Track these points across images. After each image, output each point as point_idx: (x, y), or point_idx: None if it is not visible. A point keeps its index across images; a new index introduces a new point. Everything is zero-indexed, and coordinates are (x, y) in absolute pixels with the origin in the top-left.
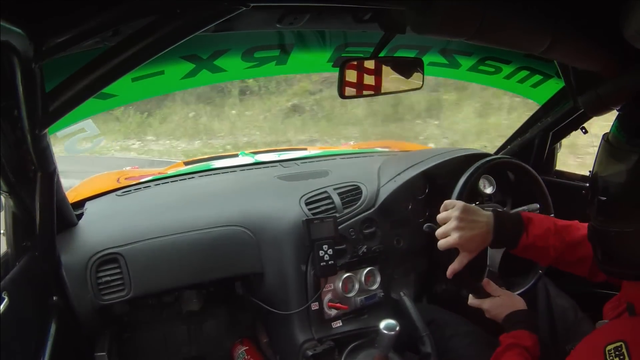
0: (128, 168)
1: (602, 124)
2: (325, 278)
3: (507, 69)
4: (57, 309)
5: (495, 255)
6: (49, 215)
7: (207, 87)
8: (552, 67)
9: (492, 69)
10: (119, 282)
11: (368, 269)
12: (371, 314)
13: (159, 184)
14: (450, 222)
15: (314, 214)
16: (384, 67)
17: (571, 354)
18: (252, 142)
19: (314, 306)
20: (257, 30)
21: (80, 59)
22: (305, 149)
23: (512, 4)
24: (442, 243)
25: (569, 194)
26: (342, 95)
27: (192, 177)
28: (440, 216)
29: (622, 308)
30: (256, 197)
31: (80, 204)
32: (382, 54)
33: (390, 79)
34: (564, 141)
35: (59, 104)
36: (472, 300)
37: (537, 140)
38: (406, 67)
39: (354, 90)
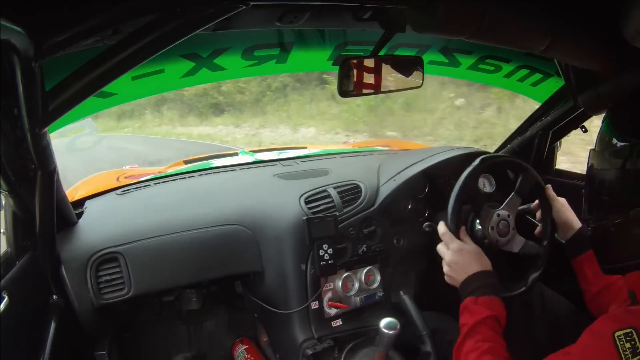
0: (127, 167)
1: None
2: (325, 277)
3: (507, 68)
4: (57, 308)
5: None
6: (49, 214)
7: None
8: (552, 65)
9: (492, 68)
10: (119, 281)
11: (368, 268)
12: (371, 313)
13: (158, 183)
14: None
15: (313, 213)
16: (383, 65)
17: (577, 342)
18: None
19: (314, 305)
20: (257, 29)
21: (80, 57)
22: (305, 148)
23: (512, 3)
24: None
25: (568, 193)
26: (341, 93)
27: (192, 176)
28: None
29: (624, 296)
30: (256, 196)
31: (80, 202)
32: (382, 53)
33: (390, 77)
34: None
35: (59, 102)
36: (440, 246)
37: (537, 139)
38: (406, 66)
39: (354, 88)
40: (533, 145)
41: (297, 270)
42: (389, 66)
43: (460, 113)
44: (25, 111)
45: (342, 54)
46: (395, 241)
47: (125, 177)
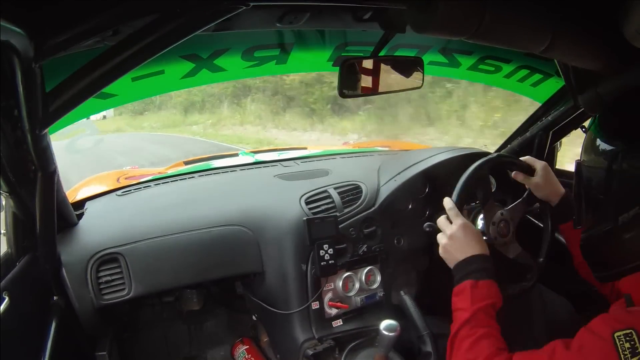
0: (128, 168)
1: None
2: (326, 277)
3: (507, 68)
4: (58, 309)
5: None
6: (50, 215)
7: None
8: (552, 66)
9: (492, 68)
10: (119, 282)
11: (368, 268)
12: (371, 313)
13: (159, 184)
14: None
15: (314, 213)
16: (383, 66)
17: (575, 338)
18: None
19: (315, 305)
20: (257, 30)
21: (80, 58)
22: (305, 148)
23: (512, 3)
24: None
25: None
26: (342, 94)
27: (192, 177)
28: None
29: (620, 300)
30: (256, 197)
31: (81, 203)
32: (382, 53)
33: (390, 78)
34: None
35: (59, 103)
36: (442, 219)
37: (537, 139)
38: (406, 66)
39: (354, 89)
40: (533, 145)
41: (297, 270)
42: (389, 67)
43: None
44: (25, 112)
45: (342, 54)
46: (395, 241)
47: (126, 178)
